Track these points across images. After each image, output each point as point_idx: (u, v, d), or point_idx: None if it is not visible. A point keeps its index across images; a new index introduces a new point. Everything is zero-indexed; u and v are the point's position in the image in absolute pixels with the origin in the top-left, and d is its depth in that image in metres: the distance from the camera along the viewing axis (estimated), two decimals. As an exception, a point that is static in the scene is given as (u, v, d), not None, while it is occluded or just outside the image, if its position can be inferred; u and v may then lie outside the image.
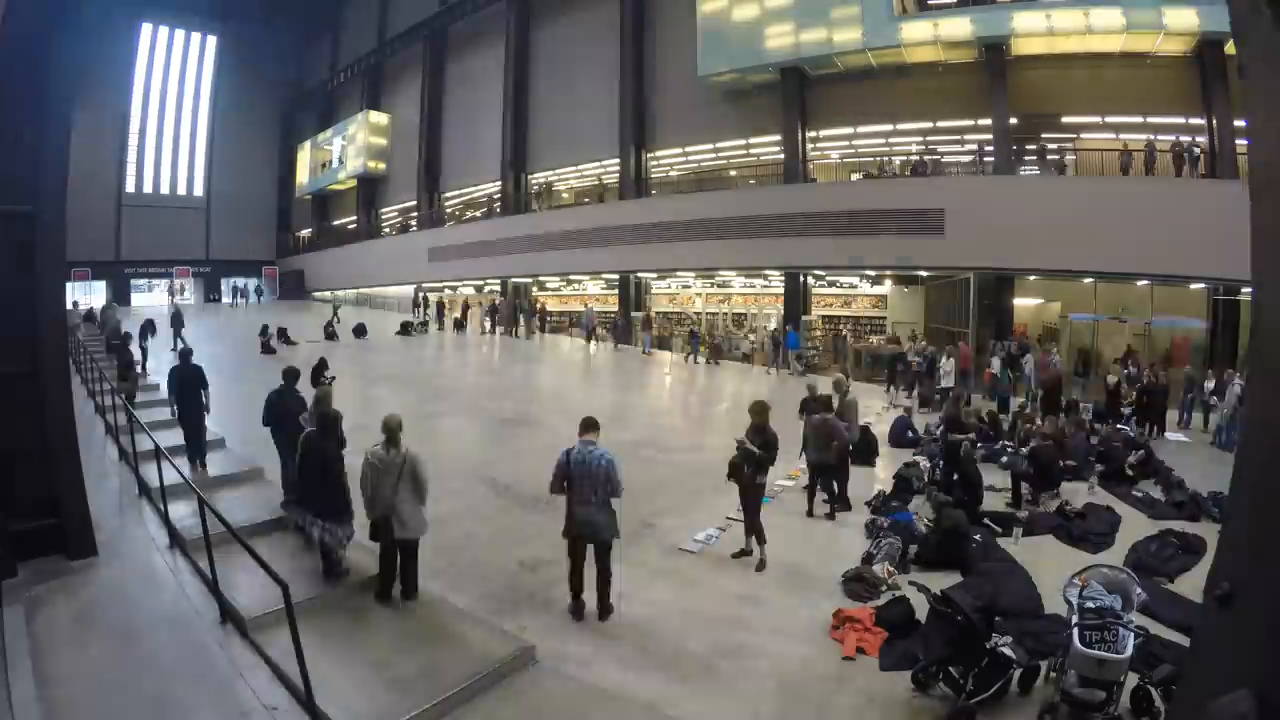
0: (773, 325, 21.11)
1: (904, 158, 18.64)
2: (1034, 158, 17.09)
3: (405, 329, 22.60)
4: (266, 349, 17.60)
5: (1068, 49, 15.87)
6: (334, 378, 10.93)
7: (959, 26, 16.31)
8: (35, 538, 5.05)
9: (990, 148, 16.89)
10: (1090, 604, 3.92)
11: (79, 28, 5.28)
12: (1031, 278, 16.60)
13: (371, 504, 4.85)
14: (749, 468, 5.98)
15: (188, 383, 7.60)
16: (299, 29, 39.41)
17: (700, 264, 21.35)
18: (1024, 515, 7.27)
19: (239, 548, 4.12)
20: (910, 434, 10.57)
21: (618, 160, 23.49)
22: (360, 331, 21.38)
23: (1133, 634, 3.80)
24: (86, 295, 29.48)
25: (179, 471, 5.67)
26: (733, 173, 22.02)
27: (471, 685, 3.96)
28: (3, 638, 4.10)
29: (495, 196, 28.18)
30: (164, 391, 8.85)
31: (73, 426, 5.38)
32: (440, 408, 12.31)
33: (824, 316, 20.98)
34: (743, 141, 21.58)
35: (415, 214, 32.14)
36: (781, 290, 20.72)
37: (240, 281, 35.60)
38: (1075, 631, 3.77)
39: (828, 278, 20.93)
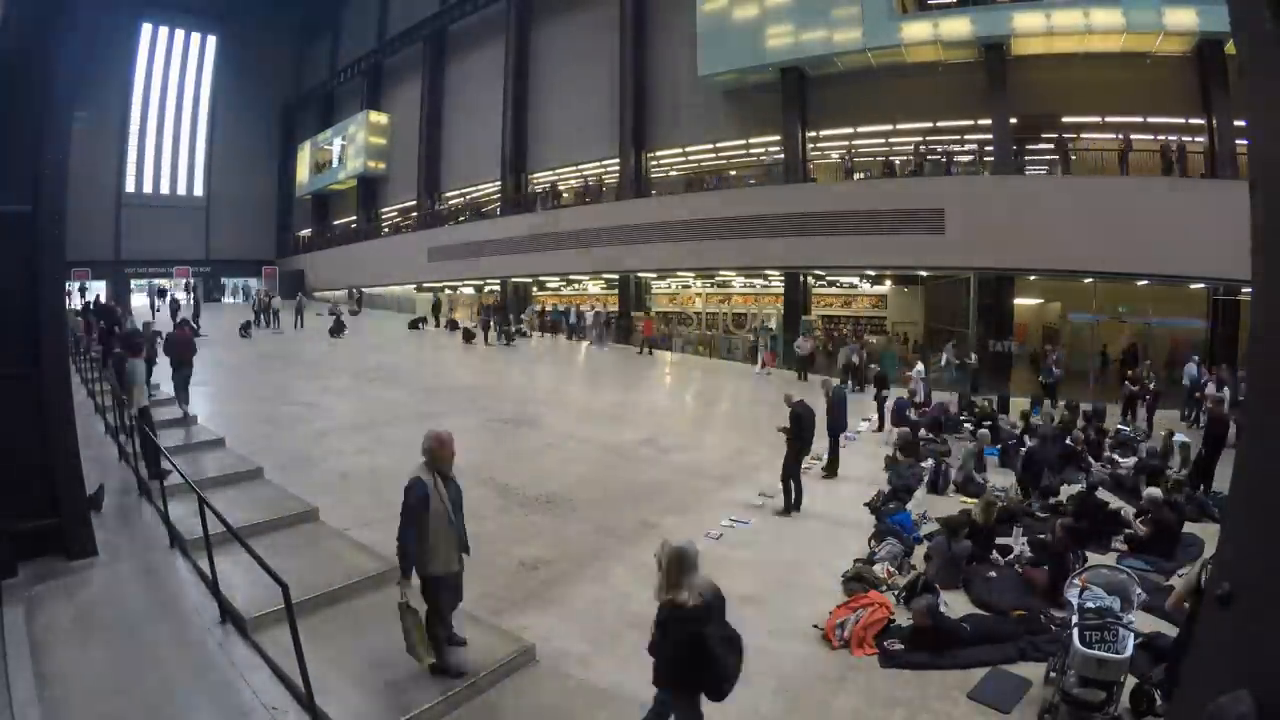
0: (772, 324, 21.11)
1: (903, 158, 18.61)
2: (1041, 157, 17.06)
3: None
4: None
5: (1068, 49, 15.86)
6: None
7: (959, 26, 16.32)
8: (35, 538, 5.05)
9: (969, 146, 16.89)
10: (1090, 604, 3.92)
11: (79, 28, 5.27)
12: (1031, 278, 16.61)
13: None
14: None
15: None
16: (299, 29, 39.42)
17: (700, 264, 21.34)
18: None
19: (239, 547, 4.12)
20: (910, 414, 10.71)
21: (618, 160, 23.50)
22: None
23: (1132, 634, 3.81)
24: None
25: (179, 471, 5.67)
26: (733, 173, 22.01)
27: (471, 685, 3.96)
28: (3, 638, 4.09)
29: (495, 196, 28.19)
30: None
31: (73, 426, 5.38)
32: (439, 407, 12.31)
33: (824, 316, 20.98)
34: (743, 141, 21.58)
35: (415, 214, 32.16)
36: (782, 290, 20.73)
37: (242, 282, 35.61)
38: (1075, 632, 3.77)
39: (828, 277, 20.93)
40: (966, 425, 10.95)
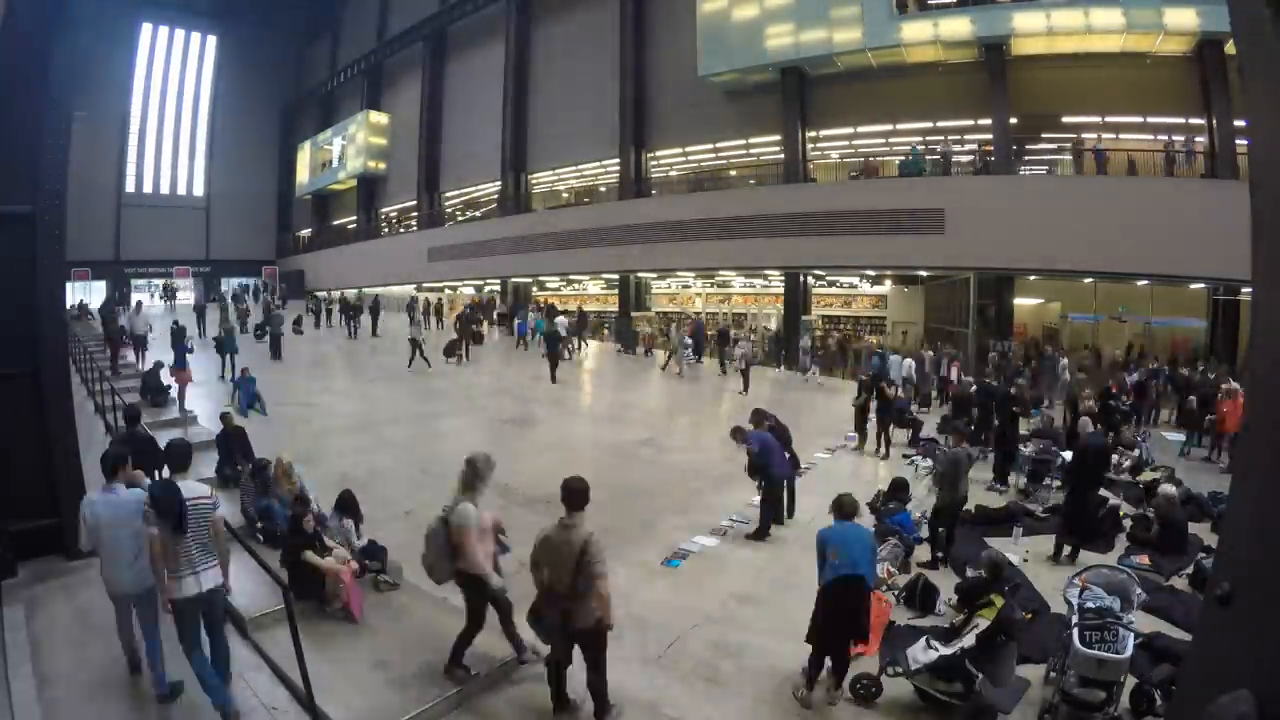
0: (773, 325, 21.11)
1: (902, 158, 18.59)
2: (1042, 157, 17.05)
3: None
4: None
5: (1068, 49, 15.86)
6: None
7: (959, 26, 16.30)
8: (35, 538, 5.05)
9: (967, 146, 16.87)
10: (1090, 604, 3.92)
11: (79, 27, 5.27)
12: (1031, 278, 16.61)
13: None
14: None
15: None
16: (299, 29, 39.41)
17: (700, 264, 21.35)
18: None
19: (239, 547, 4.12)
20: (910, 415, 10.76)
21: (618, 160, 23.50)
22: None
23: (1132, 634, 3.80)
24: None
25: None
26: (733, 172, 22.01)
27: (472, 685, 3.96)
28: (3, 638, 4.09)
29: (495, 196, 28.19)
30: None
31: (73, 426, 5.38)
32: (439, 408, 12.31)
33: (824, 316, 20.99)
34: (743, 141, 21.58)
35: (415, 214, 32.16)
36: (781, 290, 20.73)
37: (245, 282, 35.50)
38: (1075, 632, 3.77)
39: (828, 278, 20.93)
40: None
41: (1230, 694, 1.57)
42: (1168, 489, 6.79)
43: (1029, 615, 5.00)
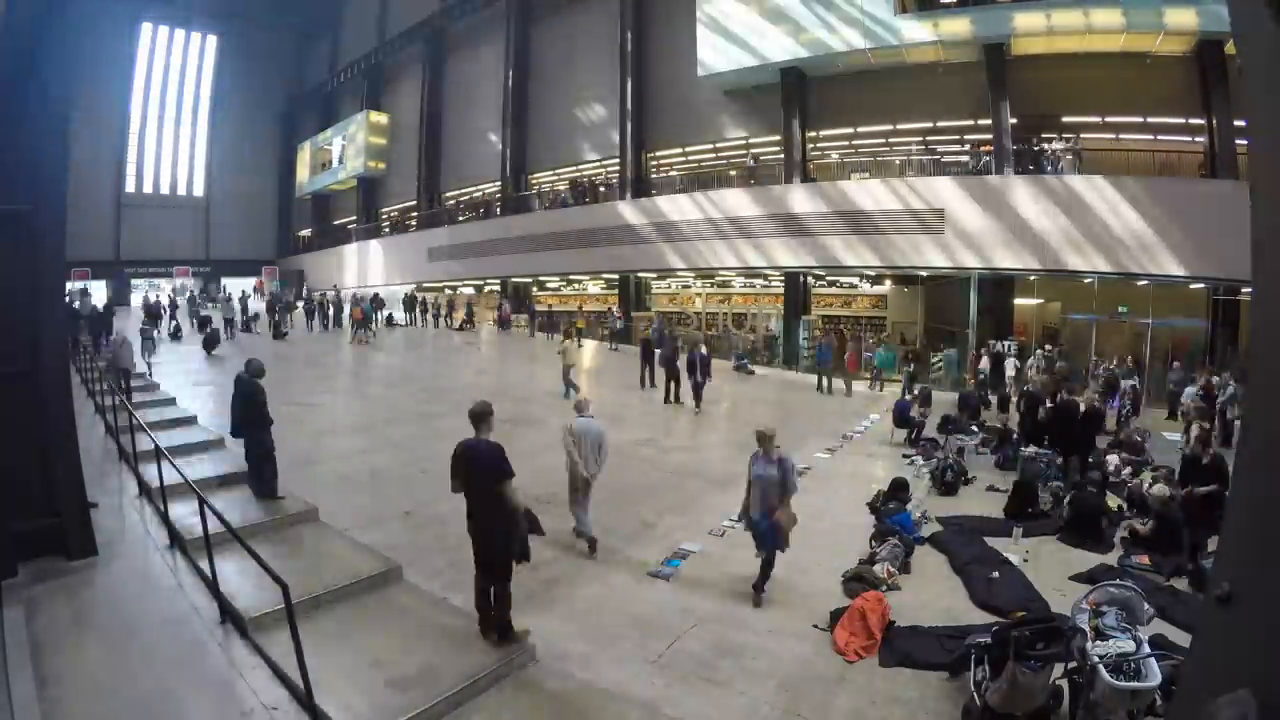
0: (772, 324, 21.10)
1: (904, 158, 18.59)
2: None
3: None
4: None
5: (1068, 49, 15.86)
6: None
7: (959, 26, 16.30)
8: (35, 538, 5.05)
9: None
10: (1104, 653, 3.77)
11: (78, 27, 5.27)
12: (1031, 278, 16.62)
13: None
14: None
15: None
16: (299, 29, 39.43)
17: (700, 264, 21.36)
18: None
19: (239, 547, 4.12)
20: (912, 416, 10.71)
21: (618, 160, 23.50)
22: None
23: (1155, 659, 3.69)
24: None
25: (179, 471, 5.67)
26: (733, 173, 22.00)
27: (471, 685, 3.96)
28: (3, 638, 4.09)
29: (495, 196, 28.20)
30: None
31: (73, 426, 5.38)
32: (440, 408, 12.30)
33: (824, 316, 20.98)
34: (743, 141, 21.59)
35: (415, 214, 32.17)
36: (782, 290, 20.73)
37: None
38: (1100, 668, 3.65)
39: (828, 277, 20.93)
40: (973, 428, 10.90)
41: (1230, 694, 1.57)
42: (1159, 489, 6.79)
43: (1020, 614, 4.97)
